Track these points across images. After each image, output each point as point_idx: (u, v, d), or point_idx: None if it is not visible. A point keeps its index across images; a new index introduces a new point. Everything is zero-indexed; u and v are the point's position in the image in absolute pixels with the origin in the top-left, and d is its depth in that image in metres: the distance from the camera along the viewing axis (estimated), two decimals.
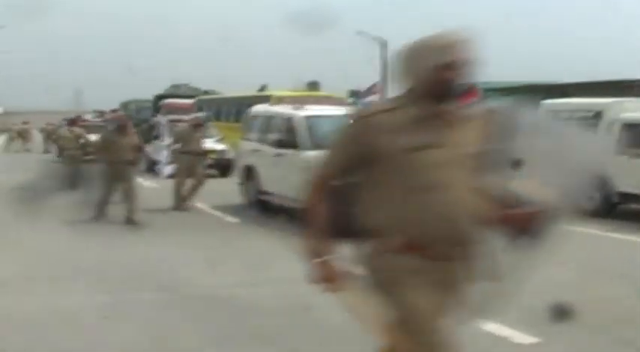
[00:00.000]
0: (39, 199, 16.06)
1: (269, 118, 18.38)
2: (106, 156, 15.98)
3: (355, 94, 73.61)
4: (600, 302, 9.17)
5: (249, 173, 17.96)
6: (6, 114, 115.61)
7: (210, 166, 23.67)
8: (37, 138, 55.70)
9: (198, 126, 19.29)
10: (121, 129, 16.44)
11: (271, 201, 16.81)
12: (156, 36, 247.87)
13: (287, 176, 15.17)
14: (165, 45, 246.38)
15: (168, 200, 17.81)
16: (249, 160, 18.22)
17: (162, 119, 32.68)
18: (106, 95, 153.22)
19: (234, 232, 14.57)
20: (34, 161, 36.24)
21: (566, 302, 8.17)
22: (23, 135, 51.40)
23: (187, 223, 15.59)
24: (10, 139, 53.38)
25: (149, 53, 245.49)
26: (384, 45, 55.81)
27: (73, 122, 29.77)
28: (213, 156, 24.76)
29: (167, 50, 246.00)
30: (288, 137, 16.47)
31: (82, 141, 26.29)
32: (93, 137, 25.35)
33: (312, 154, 14.22)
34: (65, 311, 8.55)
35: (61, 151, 27.57)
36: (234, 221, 15.77)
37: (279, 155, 16.50)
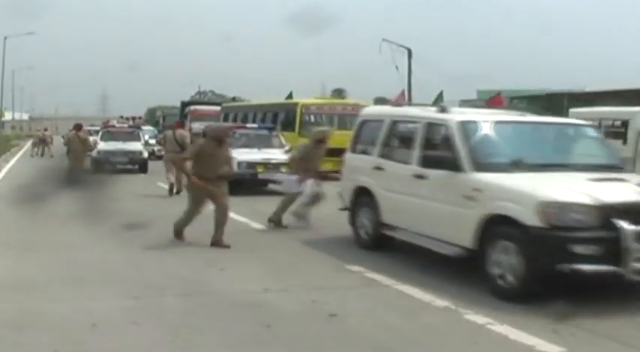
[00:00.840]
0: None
1: (396, 124, 13.44)
2: (200, 170, 13.59)
3: (381, 102, 73.51)
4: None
5: (363, 198, 13.46)
6: (32, 120, 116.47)
7: None
8: (59, 143, 56.08)
9: (321, 142, 16.98)
10: (219, 140, 13.91)
11: (398, 237, 12.52)
12: (182, 41, 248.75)
13: (430, 207, 11.42)
14: (191, 51, 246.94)
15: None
16: (363, 180, 13.47)
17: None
18: (132, 101, 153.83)
19: (261, 238, 14.59)
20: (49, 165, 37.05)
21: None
22: (44, 141, 52.16)
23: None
24: (33, 145, 54.11)
25: (175, 59, 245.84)
26: (409, 53, 55.70)
27: (78, 127, 29.68)
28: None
29: (193, 56, 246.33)
30: (438, 151, 11.64)
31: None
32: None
33: (479, 178, 10.42)
34: (93, 315, 8.61)
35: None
36: (260, 227, 15.78)
37: (419, 177, 11.70)
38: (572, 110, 20.13)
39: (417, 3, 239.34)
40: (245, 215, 17.13)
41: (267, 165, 22.94)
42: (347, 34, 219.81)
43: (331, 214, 15.40)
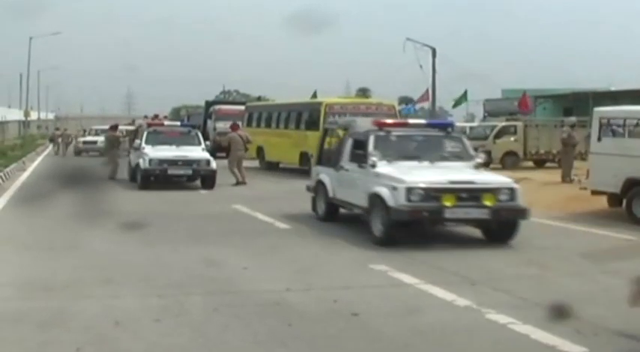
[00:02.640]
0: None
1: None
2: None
3: (406, 101, 73.48)
4: None
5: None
6: (58, 119, 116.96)
7: None
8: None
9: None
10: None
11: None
12: (206, 41, 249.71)
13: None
14: (215, 50, 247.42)
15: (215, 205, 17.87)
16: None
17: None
18: (157, 101, 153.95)
19: (285, 238, 14.62)
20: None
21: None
22: (65, 140, 53.34)
23: (239, 228, 15.65)
24: (54, 144, 55.05)
25: (200, 58, 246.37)
26: (433, 52, 55.59)
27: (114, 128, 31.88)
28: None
29: (217, 55, 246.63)
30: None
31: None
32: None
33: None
34: (116, 313, 8.66)
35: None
36: (285, 227, 15.81)
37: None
38: (596, 109, 19.97)
39: (441, 2, 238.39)
40: (270, 215, 17.18)
41: None
42: (371, 33, 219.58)
43: (353, 214, 15.43)
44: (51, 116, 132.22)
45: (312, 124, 30.72)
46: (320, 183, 16.81)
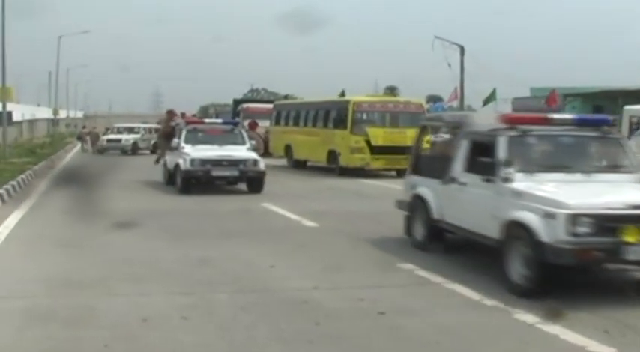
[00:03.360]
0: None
1: None
2: None
3: (434, 99, 73.36)
4: None
5: None
6: (86, 118, 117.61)
7: None
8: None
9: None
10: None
11: None
12: (234, 39, 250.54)
13: None
14: (244, 49, 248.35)
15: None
16: None
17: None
18: (184, 99, 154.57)
19: (313, 236, 14.61)
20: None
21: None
22: (93, 138, 53.87)
23: (266, 226, 15.68)
24: (82, 142, 55.74)
25: (227, 56, 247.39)
26: (461, 50, 55.44)
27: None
28: None
29: (245, 53, 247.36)
30: None
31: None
32: None
33: None
34: (144, 310, 8.70)
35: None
36: (312, 225, 15.80)
37: None
38: (626, 107, 19.92)
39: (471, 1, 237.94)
40: (298, 213, 17.18)
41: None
42: (399, 31, 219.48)
43: (381, 212, 15.41)
44: (80, 114, 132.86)
45: (340, 122, 30.72)
46: (418, 200, 13.07)
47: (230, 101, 54.04)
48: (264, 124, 40.69)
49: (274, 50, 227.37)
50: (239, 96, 58.44)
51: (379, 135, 29.52)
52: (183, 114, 62.11)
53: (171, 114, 30.08)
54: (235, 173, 22.50)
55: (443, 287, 10.14)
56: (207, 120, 27.56)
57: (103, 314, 8.59)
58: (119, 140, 50.13)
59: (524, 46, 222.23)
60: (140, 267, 11.24)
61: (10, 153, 36.66)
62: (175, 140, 23.58)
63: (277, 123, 37.32)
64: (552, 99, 50.14)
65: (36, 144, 53.34)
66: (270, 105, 42.09)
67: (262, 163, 22.71)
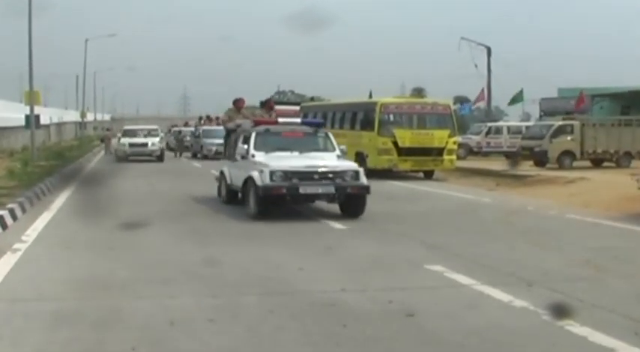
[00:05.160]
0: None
1: None
2: None
3: (461, 100, 73.22)
4: None
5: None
6: (114, 121, 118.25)
7: None
8: None
9: None
10: None
11: None
12: (262, 41, 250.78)
13: None
14: (271, 50, 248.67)
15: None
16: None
17: None
18: (212, 101, 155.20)
19: (341, 238, 14.59)
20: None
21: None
22: (109, 139, 54.46)
23: (294, 228, 15.68)
24: (105, 145, 56.35)
25: (254, 58, 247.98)
26: (488, 51, 55.32)
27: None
28: None
29: (272, 56, 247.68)
30: None
31: None
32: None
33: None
34: (172, 313, 8.70)
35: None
36: (340, 227, 15.78)
37: None
38: None
39: (497, 2, 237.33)
40: (325, 215, 17.17)
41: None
42: (426, 33, 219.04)
43: (409, 214, 15.37)
44: (107, 117, 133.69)
45: (367, 124, 30.77)
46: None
47: (257, 103, 54.02)
48: None
49: (302, 52, 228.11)
50: (267, 97, 58.27)
51: (406, 137, 29.54)
52: (208, 118, 61.94)
53: (240, 103, 23.04)
54: (331, 189, 16.95)
55: (472, 289, 10.08)
56: (281, 119, 20.70)
57: (130, 316, 8.59)
58: (145, 144, 45.15)
59: (553, 46, 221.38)
60: (167, 269, 11.25)
61: (38, 157, 36.86)
62: (242, 146, 18.81)
63: None
64: (581, 100, 49.96)
65: (64, 148, 53.66)
66: (297, 107, 42.13)
67: (364, 176, 17.58)
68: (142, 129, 48.68)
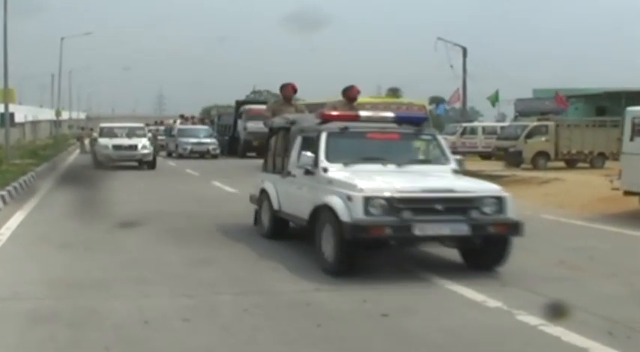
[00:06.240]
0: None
1: None
2: None
3: (437, 101, 73.44)
4: None
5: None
6: (89, 119, 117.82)
7: None
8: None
9: None
10: None
11: None
12: (236, 41, 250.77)
13: None
14: (246, 50, 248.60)
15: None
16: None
17: None
18: (187, 100, 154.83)
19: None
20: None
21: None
22: (92, 139, 54.21)
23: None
24: (81, 143, 56.04)
25: (230, 58, 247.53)
26: (463, 52, 55.52)
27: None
28: None
29: (248, 55, 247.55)
30: None
31: None
32: None
33: None
34: (146, 312, 8.70)
35: None
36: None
37: None
38: (628, 109, 19.80)
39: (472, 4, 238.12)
40: None
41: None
42: (402, 33, 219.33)
43: None
44: (82, 116, 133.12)
45: None
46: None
47: (233, 103, 53.98)
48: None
49: (277, 52, 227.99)
50: (242, 97, 58.27)
51: None
52: (183, 117, 61.69)
53: (289, 90, 16.80)
54: (463, 229, 10.63)
55: (446, 288, 10.12)
56: (363, 112, 13.69)
57: (105, 316, 8.56)
58: (134, 146, 36.09)
59: (528, 47, 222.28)
60: (142, 269, 11.24)
61: (12, 155, 36.64)
62: (306, 154, 12.22)
63: None
64: (560, 99, 50.26)
65: (38, 146, 53.38)
66: None
67: (511, 201, 11.13)
68: (122, 128, 39.27)
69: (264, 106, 47.28)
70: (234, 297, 9.58)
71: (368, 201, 10.44)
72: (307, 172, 12.20)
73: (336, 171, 11.75)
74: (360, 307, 9.09)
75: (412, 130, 13.05)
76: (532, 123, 38.68)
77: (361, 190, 10.58)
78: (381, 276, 10.95)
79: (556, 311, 8.48)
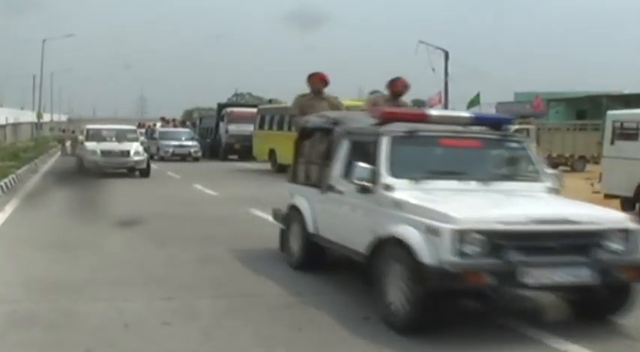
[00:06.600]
0: None
1: None
2: None
3: (419, 103, 73.59)
4: None
5: None
6: (70, 121, 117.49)
7: None
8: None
9: None
10: None
11: None
12: (218, 44, 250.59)
13: None
14: (227, 53, 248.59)
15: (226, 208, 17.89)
16: None
17: None
18: (169, 103, 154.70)
19: None
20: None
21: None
22: (73, 142, 53.93)
23: (250, 231, 15.62)
24: (62, 146, 55.90)
25: (211, 60, 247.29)
26: (445, 55, 55.63)
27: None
28: None
29: (229, 58, 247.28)
30: None
31: None
32: None
33: None
34: (126, 315, 8.67)
35: None
36: None
37: None
38: (609, 112, 19.93)
39: (455, 7, 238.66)
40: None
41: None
42: (384, 36, 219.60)
43: None
44: (64, 118, 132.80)
45: None
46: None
47: (215, 105, 53.91)
48: (248, 128, 40.80)
49: (258, 55, 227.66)
50: (224, 100, 58.23)
51: None
52: (163, 119, 61.39)
53: (320, 80, 13.96)
54: (586, 274, 7.91)
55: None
56: (432, 111, 12.16)
57: (84, 318, 8.53)
58: (127, 152, 31.65)
59: (511, 49, 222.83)
60: (122, 271, 11.20)
61: None
62: (362, 165, 9.24)
63: (261, 127, 37.41)
64: (537, 105, 50.46)
65: (19, 148, 53.14)
66: (255, 110, 42.11)
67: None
68: (111, 130, 34.78)
69: (246, 109, 47.61)
70: (214, 300, 9.54)
71: (462, 236, 7.60)
72: (363, 190, 9.19)
73: (404, 191, 8.86)
74: (341, 310, 9.04)
75: (496, 135, 9.99)
76: (513, 126, 38.81)
77: (452, 220, 7.71)
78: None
79: None
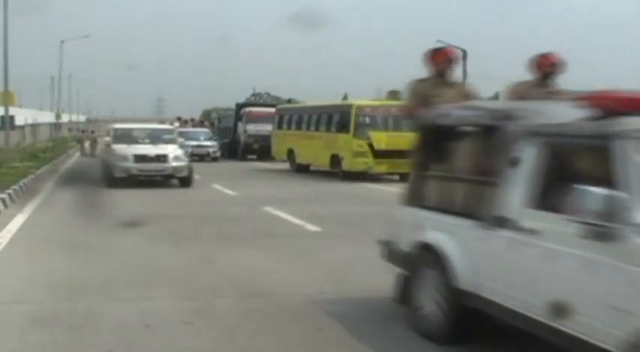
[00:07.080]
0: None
1: None
2: None
3: None
4: None
5: None
6: (89, 122, 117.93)
7: None
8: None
9: None
10: None
11: None
12: (236, 43, 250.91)
13: None
14: (246, 52, 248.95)
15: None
16: None
17: None
18: (187, 103, 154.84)
19: (316, 241, 14.55)
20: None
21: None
22: (92, 142, 53.93)
23: (269, 231, 15.62)
24: (81, 146, 56.09)
25: (230, 60, 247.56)
26: (464, 54, 55.45)
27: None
28: None
29: (248, 57, 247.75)
30: None
31: None
32: None
33: None
34: (147, 315, 8.67)
35: None
36: (316, 229, 15.74)
37: None
38: None
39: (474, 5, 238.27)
40: (300, 217, 17.14)
41: None
42: (402, 36, 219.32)
43: (385, 216, 15.35)
44: (82, 118, 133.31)
45: (343, 126, 30.70)
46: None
47: (233, 105, 53.87)
48: (266, 128, 40.82)
49: (277, 54, 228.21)
50: (242, 100, 58.24)
51: (382, 139, 29.43)
52: (179, 119, 61.45)
53: (444, 58, 9.80)
54: None
55: None
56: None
57: (106, 319, 8.55)
58: (164, 157, 26.59)
59: (528, 50, 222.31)
60: (143, 272, 11.22)
61: (12, 158, 36.62)
62: (596, 191, 5.43)
63: (280, 127, 37.38)
64: None
65: (38, 149, 53.32)
66: (273, 109, 42.09)
67: None
68: (142, 130, 30.08)
69: (264, 109, 47.58)
70: (235, 300, 9.54)
71: None
72: (593, 233, 5.50)
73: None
74: (362, 310, 9.06)
75: None
76: None
77: None
78: (383, 279, 9.34)
79: None
